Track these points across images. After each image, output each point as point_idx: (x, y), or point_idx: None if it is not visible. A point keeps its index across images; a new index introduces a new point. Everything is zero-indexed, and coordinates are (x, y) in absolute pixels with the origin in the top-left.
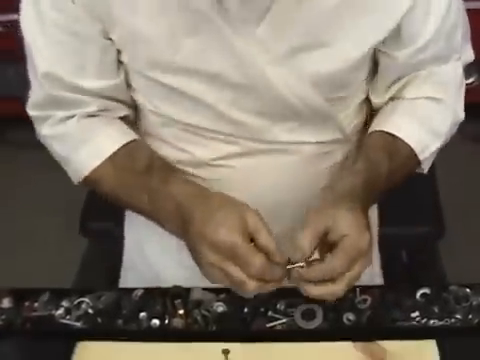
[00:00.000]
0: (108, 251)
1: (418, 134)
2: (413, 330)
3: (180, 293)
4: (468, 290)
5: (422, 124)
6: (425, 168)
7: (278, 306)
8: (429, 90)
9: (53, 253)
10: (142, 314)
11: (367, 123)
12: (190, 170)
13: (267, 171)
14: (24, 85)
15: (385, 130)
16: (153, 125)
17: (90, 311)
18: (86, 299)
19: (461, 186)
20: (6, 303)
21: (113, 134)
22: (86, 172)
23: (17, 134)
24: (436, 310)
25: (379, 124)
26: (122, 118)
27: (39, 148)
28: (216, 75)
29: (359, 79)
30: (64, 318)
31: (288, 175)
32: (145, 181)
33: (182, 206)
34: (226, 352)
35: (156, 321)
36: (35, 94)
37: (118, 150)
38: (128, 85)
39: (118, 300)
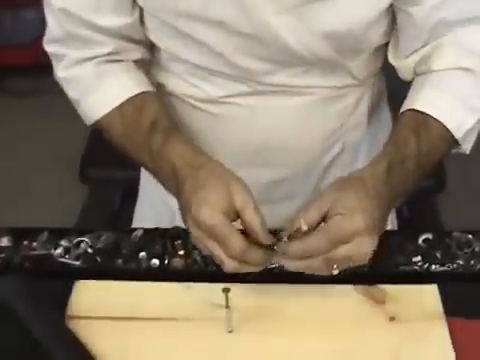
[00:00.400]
0: (108, 198)
1: (450, 109)
2: (415, 275)
3: (180, 234)
4: (470, 236)
5: (453, 98)
6: (467, 148)
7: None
8: (457, 59)
9: (53, 201)
10: (142, 254)
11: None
12: (199, 104)
13: (275, 111)
14: (22, 34)
15: (415, 108)
16: (166, 61)
17: (89, 250)
18: (85, 238)
19: None
20: (5, 242)
21: (125, 83)
22: (95, 118)
23: (16, 83)
24: (438, 255)
25: (409, 102)
26: (137, 62)
27: (37, 97)
28: (220, 23)
29: (374, 38)
30: (63, 257)
31: (296, 116)
32: (148, 139)
33: (177, 171)
34: (226, 291)
35: (156, 261)
36: (51, 30)
37: (127, 101)
38: (142, 23)
39: (118, 240)
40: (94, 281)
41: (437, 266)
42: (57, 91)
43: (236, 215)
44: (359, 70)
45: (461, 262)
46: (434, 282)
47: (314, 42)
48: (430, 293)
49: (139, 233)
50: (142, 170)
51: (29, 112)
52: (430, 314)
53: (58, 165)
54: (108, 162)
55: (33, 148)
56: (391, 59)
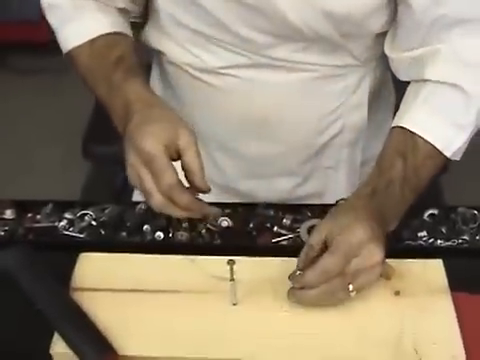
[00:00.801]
0: (110, 174)
1: (439, 130)
2: (420, 250)
3: None
4: (476, 212)
5: (444, 118)
6: (456, 158)
7: (284, 222)
8: (450, 73)
9: (56, 177)
10: (146, 227)
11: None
12: (198, 74)
13: (274, 85)
14: (29, 10)
15: (403, 126)
16: (167, 26)
17: (93, 223)
18: (89, 211)
19: None
20: (9, 214)
21: (102, 20)
22: (68, 48)
23: (18, 60)
24: (443, 231)
25: (399, 117)
26: (121, 10)
27: (40, 74)
28: None
29: (374, 26)
30: (67, 230)
31: (295, 92)
32: (110, 72)
33: (129, 105)
34: (231, 263)
35: (160, 234)
36: None
37: (101, 36)
38: None
39: (122, 213)
40: (98, 253)
41: (442, 241)
42: (61, 69)
43: (177, 155)
44: (360, 52)
45: (466, 237)
46: (439, 257)
47: (314, 19)
48: (435, 268)
49: (143, 206)
50: None
51: (32, 89)
52: (435, 289)
53: (61, 141)
54: (111, 138)
55: (36, 124)
56: (386, 49)
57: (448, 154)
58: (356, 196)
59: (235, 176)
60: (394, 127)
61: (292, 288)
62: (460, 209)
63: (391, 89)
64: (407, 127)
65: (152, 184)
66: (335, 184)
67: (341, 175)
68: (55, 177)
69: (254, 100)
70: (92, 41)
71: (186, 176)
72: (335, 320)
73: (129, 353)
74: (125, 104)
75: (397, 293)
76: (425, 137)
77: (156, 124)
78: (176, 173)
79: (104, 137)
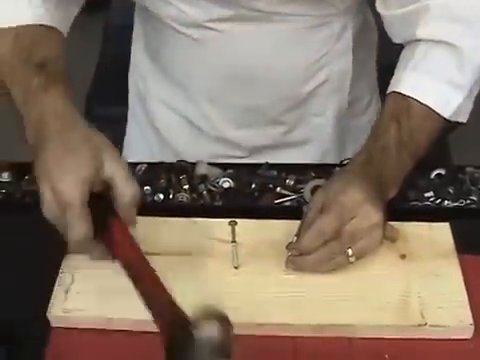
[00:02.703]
0: (113, 135)
1: (434, 91)
2: (427, 211)
3: (185, 168)
4: None
5: (438, 79)
6: (462, 120)
7: (287, 182)
8: (441, 30)
9: None
10: (146, 188)
11: None
12: (183, 29)
13: (257, 37)
14: None
15: (397, 90)
16: None
17: None
18: None
19: None
20: (6, 177)
21: (36, 10)
22: None
23: None
24: (451, 191)
25: (393, 84)
26: None
27: None
28: None
29: None
30: None
31: (279, 43)
32: (30, 75)
33: (45, 123)
34: (233, 224)
35: (160, 195)
36: None
37: (30, 26)
38: None
39: None
40: None
41: (450, 202)
42: None
43: (104, 185)
44: (341, 0)
45: (474, 198)
46: (446, 218)
47: None
48: (442, 231)
49: (143, 167)
50: (131, 99)
51: None
52: (442, 252)
53: None
54: (113, 100)
55: None
56: (379, 8)
57: (446, 114)
58: (352, 163)
59: (224, 127)
60: (389, 93)
61: (290, 255)
62: (468, 169)
63: (373, 27)
64: (400, 91)
65: (66, 230)
66: (324, 129)
67: (328, 122)
68: None
69: (237, 53)
70: (17, 35)
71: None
72: (339, 283)
73: (127, 317)
74: (41, 119)
75: (403, 256)
76: (419, 98)
77: (75, 157)
78: (89, 226)
79: (107, 98)
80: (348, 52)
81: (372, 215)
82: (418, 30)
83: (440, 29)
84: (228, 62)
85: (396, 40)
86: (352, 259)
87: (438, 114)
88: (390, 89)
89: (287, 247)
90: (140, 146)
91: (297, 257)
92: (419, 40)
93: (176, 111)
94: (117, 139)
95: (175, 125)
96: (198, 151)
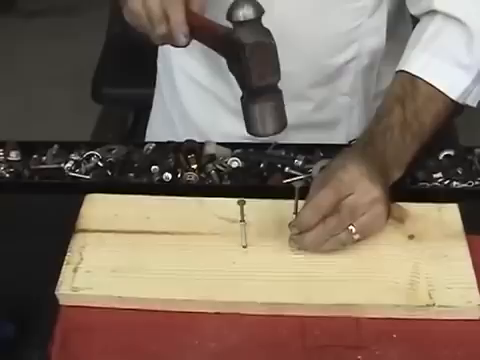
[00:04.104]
0: (121, 116)
1: (441, 70)
2: (435, 192)
3: (194, 148)
4: None
5: (445, 59)
6: (471, 103)
7: (296, 162)
8: (458, 6)
9: (65, 121)
10: (154, 167)
11: None
12: None
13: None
14: None
15: (405, 69)
16: None
17: (100, 164)
18: (96, 152)
19: None
20: (14, 155)
21: None
22: None
23: (28, 3)
24: (459, 172)
25: (403, 62)
26: None
27: (49, 16)
28: None
29: None
30: (73, 171)
31: (313, 7)
32: None
33: None
34: (242, 203)
35: (168, 175)
36: None
37: None
38: None
39: (129, 154)
40: (104, 195)
41: (458, 183)
42: (70, 10)
43: None
44: None
45: None
46: (455, 199)
47: None
48: (451, 212)
49: (151, 146)
50: (156, 87)
51: (42, 31)
52: (450, 233)
53: (70, 84)
54: (121, 81)
55: (45, 67)
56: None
57: (454, 96)
58: (354, 143)
59: None
60: (397, 72)
61: (292, 234)
62: (477, 150)
63: (409, 25)
64: (409, 70)
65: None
66: (349, 113)
67: (355, 103)
68: (64, 120)
69: (272, 13)
70: None
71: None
72: (347, 263)
73: (136, 295)
74: None
75: (411, 237)
76: (426, 79)
77: None
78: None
79: (114, 79)
80: (381, 31)
81: (371, 190)
82: (435, 0)
83: (456, 4)
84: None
85: (413, 10)
86: (356, 236)
87: (445, 95)
88: (399, 67)
89: (289, 225)
90: (164, 127)
91: (298, 235)
92: (434, 12)
93: (201, 85)
94: (123, 119)
95: (200, 100)
96: (222, 130)
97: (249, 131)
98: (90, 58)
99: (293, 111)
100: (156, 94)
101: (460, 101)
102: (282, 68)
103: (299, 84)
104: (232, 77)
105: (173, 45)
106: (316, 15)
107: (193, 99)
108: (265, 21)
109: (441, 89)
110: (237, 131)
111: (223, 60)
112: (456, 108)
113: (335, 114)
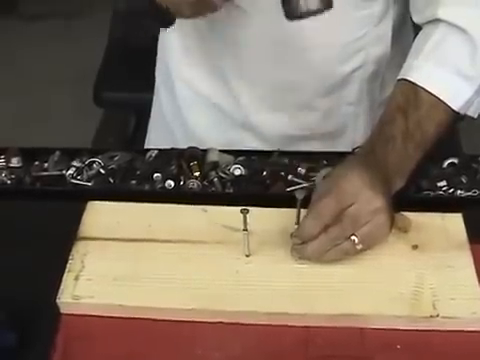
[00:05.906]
0: (122, 121)
1: (443, 80)
2: (439, 200)
3: (196, 155)
4: None
5: (449, 69)
6: (472, 114)
7: (299, 170)
8: (462, 15)
9: (66, 125)
10: (156, 175)
11: None
12: None
13: None
14: None
15: (407, 78)
16: None
17: (102, 171)
18: (98, 159)
19: None
20: (15, 162)
21: None
22: None
23: (29, 6)
24: (464, 180)
25: (405, 70)
26: None
27: (50, 20)
28: None
29: None
30: (75, 178)
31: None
32: None
33: None
34: (245, 212)
35: (171, 182)
36: None
37: None
38: None
39: (131, 161)
40: (106, 202)
41: (462, 191)
42: (71, 14)
43: None
44: None
45: None
46: (459, 208)
47: None
48: (455, 222)
49: (154, 153)
50: (155, 91)
51: (44, 35)
52: (454, 243)
53: (72, 88)
54: (122, 85)
55: (47, 71)
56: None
57: (455, 106)
58: (356, 152)
59: (252, 107)
60: (399, 80)
61: (294, 244)
62: None
63: (411, 33)
64: (410, 79)
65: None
66: (355, 121)
67: (361, 112)
68: (66, 124)
69: (279, 21)
70: None
71: None
72: (351, 273)
73: (137, 304)
74: None
75: (415, 247)
76: (428, 88)
77: None
78: None
79: (115, 83)
80: (386, 39)
81: (373, 199)
82: (440, 9)
83: (460, 13)
84: (268, 29)
85: (417, 18)
86: (359, 246)
87: (447, 106)
88: (401, 75)
89: (291, 236)
90: (166, 140)
91: (300, 245)
92: (438, 21)
93: (205, 98)
94: (124, 123)
95: (204, 113)
96: (226, 144)
97: (288, 14)
98: (92, 62)
99: (300, 122)
100: (154, 106)
101: (462, 112)
102: (290, 78)
103: (307, 94)
104: (236, 89)
105: (203, 15)
106: (329, 24)
107: (196, 112)
108: (278, 32)
109: (443, 99)
110: (242, 144)
111: (227, 72)
112: (458, 117)
113: (341, 123)
